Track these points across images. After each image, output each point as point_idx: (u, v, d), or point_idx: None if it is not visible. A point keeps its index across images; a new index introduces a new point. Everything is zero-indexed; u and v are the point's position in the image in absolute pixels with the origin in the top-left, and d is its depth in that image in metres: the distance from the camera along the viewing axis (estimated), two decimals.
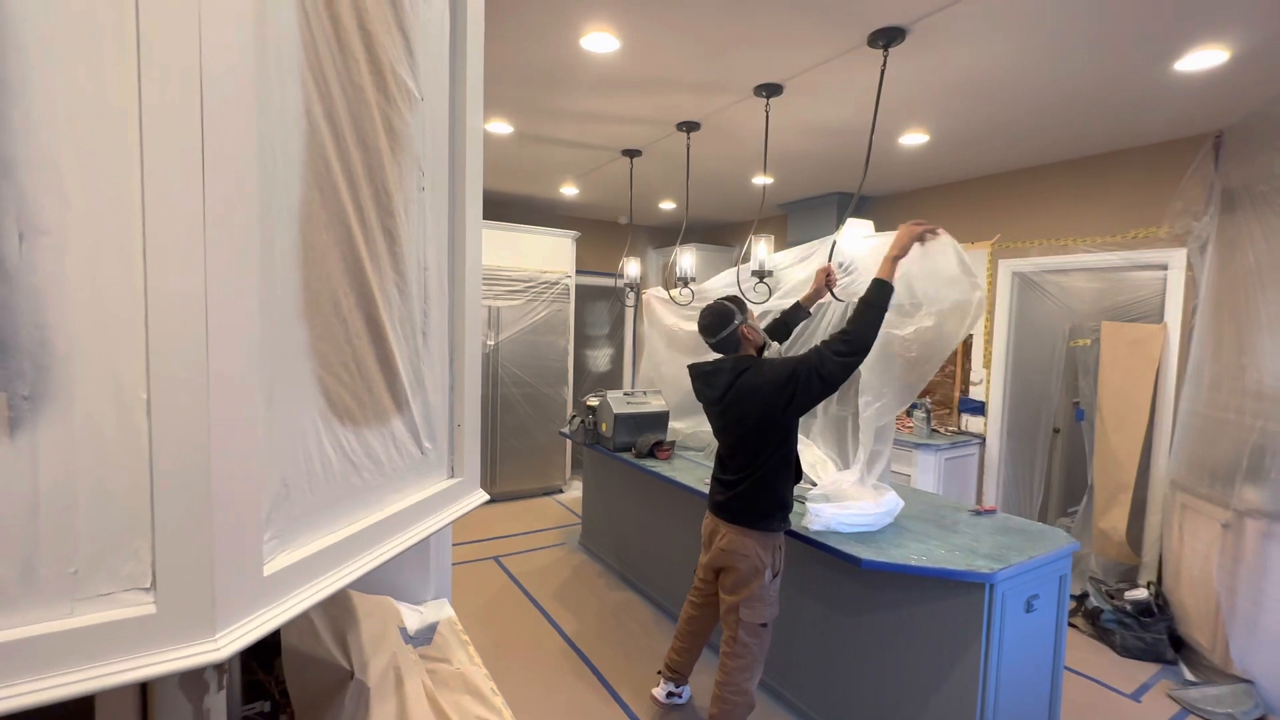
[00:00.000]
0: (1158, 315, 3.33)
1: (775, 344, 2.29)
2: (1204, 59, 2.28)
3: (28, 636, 0.52)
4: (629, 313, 6.57)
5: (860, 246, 2.40)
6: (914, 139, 3.37)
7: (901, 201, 4.70)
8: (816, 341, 2.07)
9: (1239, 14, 1.99)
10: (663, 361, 3.76)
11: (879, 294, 1.93)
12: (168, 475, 0.57)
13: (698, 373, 2.23)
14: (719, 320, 2.12)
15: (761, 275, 2.74)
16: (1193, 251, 3.11)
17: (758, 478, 2.04)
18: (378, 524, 0.86)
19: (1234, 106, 2.76)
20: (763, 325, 2.38)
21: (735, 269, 3.03)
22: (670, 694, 2.42)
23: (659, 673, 2.48)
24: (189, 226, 0.57)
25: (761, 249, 2.79)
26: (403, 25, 0.87)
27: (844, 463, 2.63)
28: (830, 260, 2.38)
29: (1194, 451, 2.89)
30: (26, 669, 0.51)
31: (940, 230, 2.07)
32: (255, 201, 0.63)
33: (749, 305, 2.22)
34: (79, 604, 0.54)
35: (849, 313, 2.02)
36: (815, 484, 2.68)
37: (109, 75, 0.54)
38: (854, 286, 2.32)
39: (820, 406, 2.73)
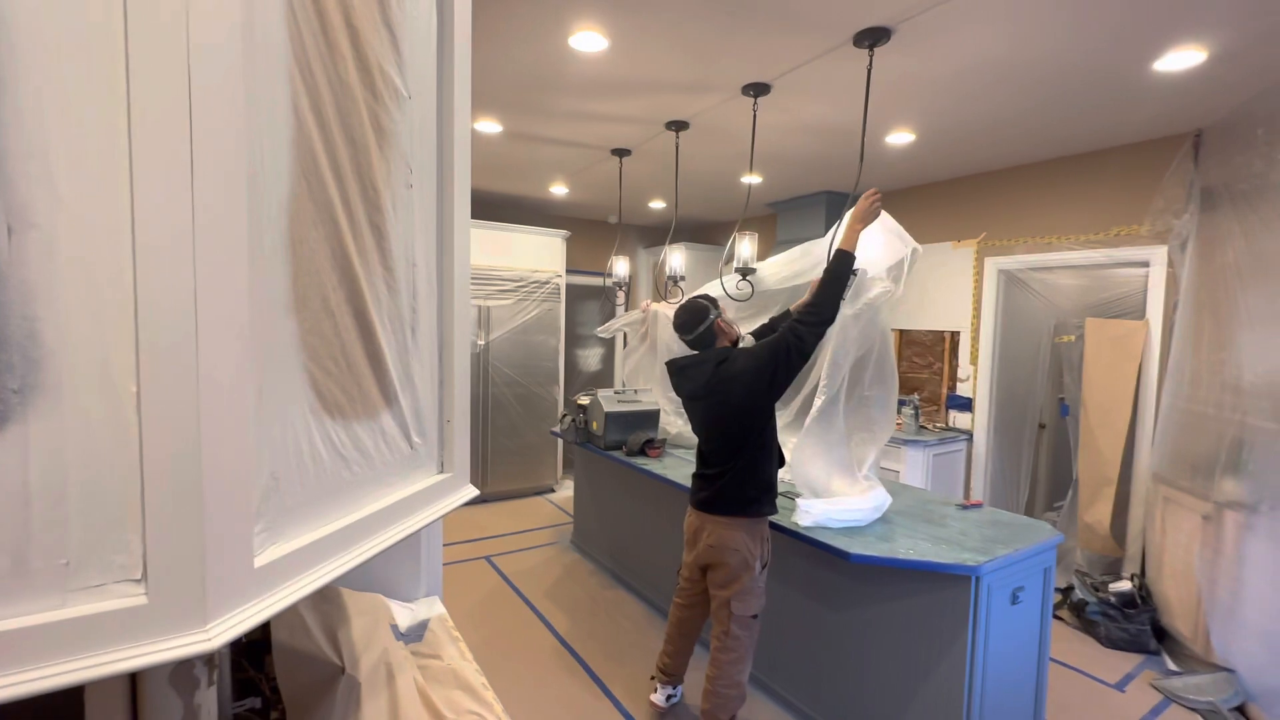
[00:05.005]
0: (1140, 312, 3.38)
1: (749, 335, 2.33)
2: (1182, 59, 2.32)
3: (20, 627, 0.52)
4: (619, 311, 6.57)
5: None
6: (900, 138, 3.40)
7: (889, 201, 4.73)
8: None
9: (1215, 16, 2.02)
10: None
11: (841, 264, 2.02)
12: (158, 468, 0.58)
13: (676, 368, 2.26)
14: (695, 316, 2.18)
15: (745, 272, 2.75)
16: (1173, 249, 3.16)
17: (744, 463, 2.07)
18: (368, 518, 0.87)
19: (1212, 106, 2.81)
20: (753, 329, 2.40)
21: (719, 280, 3.01)
22: (669, 696, 2.43)
23: (652, 678, 2.47)
24: (178, 219, 0.58)
25: (745, 246, 2.80)
26: (389, 22, 0.88)
27: (837, 464, 2.64)
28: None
29: (1175, 445, 2.94)
30: (18, 659, 0.52)
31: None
32: (244, 194, 0.64)
33: (721, 304, 2.27)
34: (71, 595, 0.55)
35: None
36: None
37: (98, 68, 0.54)
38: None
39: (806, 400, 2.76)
